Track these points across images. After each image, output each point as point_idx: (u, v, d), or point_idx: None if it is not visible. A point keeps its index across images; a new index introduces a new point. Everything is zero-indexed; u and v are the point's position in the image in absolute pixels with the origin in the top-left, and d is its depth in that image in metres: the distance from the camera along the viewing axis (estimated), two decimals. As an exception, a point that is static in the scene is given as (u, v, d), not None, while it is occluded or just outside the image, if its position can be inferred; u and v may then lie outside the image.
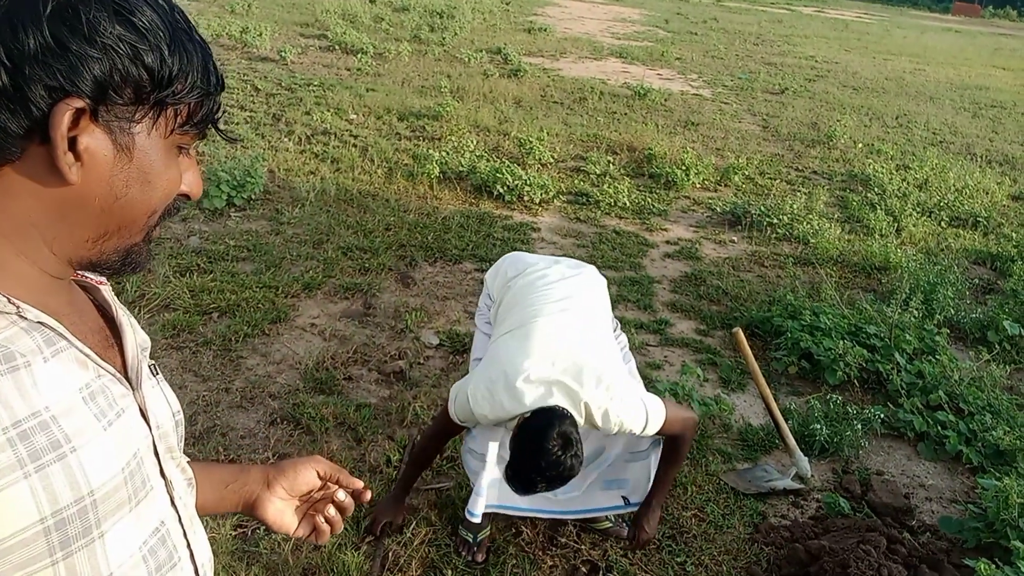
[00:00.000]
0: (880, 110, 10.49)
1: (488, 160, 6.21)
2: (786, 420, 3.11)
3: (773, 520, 2.76)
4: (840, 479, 3.02)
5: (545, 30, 14.73)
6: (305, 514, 1.02)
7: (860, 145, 8.33)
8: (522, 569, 2.41)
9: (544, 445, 1.89)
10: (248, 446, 2.85)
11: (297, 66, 9.43)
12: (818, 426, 3.15)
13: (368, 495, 1.04)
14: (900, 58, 16.73)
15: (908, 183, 6.93)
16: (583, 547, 2.53)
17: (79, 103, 0.60)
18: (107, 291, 0.80)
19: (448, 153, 6.29)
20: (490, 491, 2.32)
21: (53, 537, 0.60)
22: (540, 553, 2.49)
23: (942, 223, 6.12)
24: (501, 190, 5.60)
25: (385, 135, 6.97)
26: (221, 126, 0.75)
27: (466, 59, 10.79)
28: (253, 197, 5.12)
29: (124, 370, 0.74)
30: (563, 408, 2.00)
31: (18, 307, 0.63)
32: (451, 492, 2.68)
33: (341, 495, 1.02)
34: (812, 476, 2.97)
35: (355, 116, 7.48)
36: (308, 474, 1.00)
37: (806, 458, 2.98)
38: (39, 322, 0.64)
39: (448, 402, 2.19)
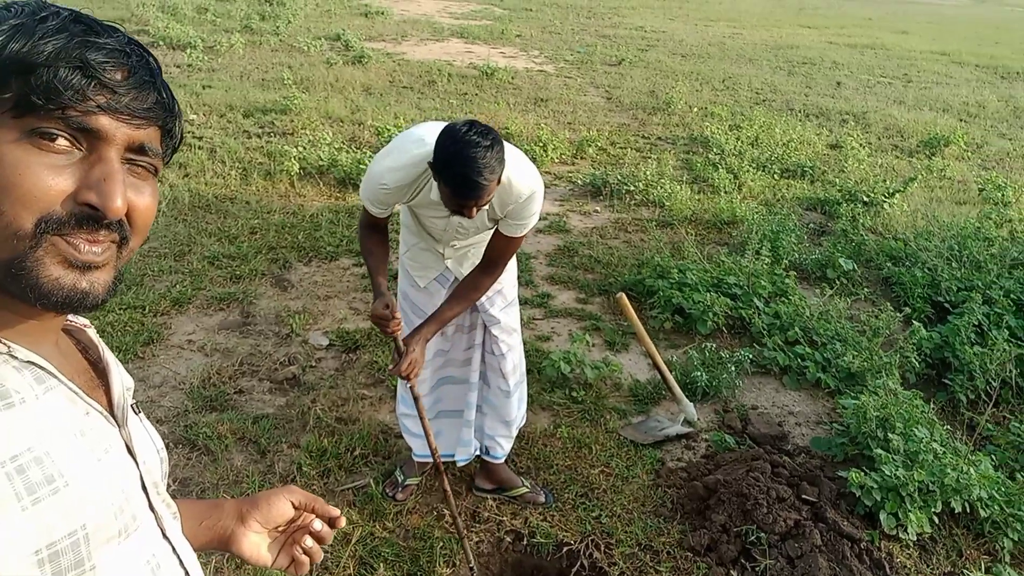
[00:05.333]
0: (708, 75, 11.24)
1: (348, 152, 6.09)
2: (670, 371, 3.35)
3: (671, 464, 2.99)
4: (722, 418, 3.31)
5: (382, 13, 14.48)
6: (283, 546, 0.99)
7: (695, 109, 8.91)
8: (450, 549, 2.47)
9: (468, 136, 1.83)
10: (143, 477, 2.70)
11: (120, 66, 8.71)
12: (698, 373, 3.42)
13: (343, 521, 1.02)
14: (719, 23, 17.94)
15: (742, 141, 7.52)
16: (505, 518, 2.63)
17: None
18: (92, 333, 0.80)
19: (304, 148, 6.10)
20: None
21: (47, 569, 0.60)
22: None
23: (775, 175, 6.71)
24: (366, 181, 5.52)
25: (232, 134, 6.64)
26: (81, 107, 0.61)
27: (305, 47, 10.43)
28: (97, 213, 4.74)
29: (110, 409, 0.74)
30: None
31: (9, 347, 0.63)
32: (369, 489, 2.68)
33: (317, 524, 0.99)
34: (699, 419, 3.23)
35: (195, 116, 7.05)
36: (282, 505, 0.97)
37: (692, 404, 3.23)
38: (29, 361, 0.64)
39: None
